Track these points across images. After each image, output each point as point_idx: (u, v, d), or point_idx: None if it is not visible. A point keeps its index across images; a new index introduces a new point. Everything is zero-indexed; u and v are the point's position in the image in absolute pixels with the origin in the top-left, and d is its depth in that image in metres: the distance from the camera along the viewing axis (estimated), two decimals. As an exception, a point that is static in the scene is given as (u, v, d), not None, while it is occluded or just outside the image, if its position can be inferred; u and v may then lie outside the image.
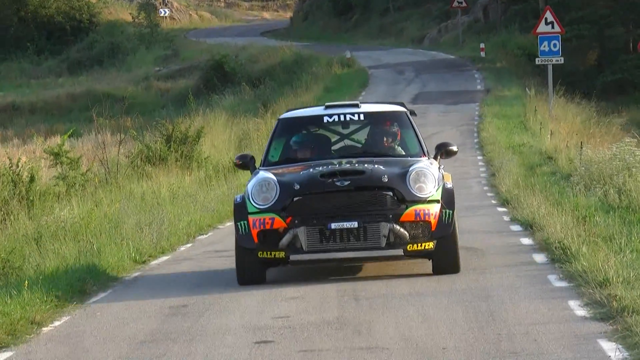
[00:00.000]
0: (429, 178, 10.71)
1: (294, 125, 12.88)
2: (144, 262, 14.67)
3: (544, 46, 36.26)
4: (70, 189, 21.15)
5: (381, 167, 10.86)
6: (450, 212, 10.63)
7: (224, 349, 8.58)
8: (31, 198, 19.16)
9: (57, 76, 65.74)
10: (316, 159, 11.64)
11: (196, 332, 9.42)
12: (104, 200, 19.90)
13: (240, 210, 10.86)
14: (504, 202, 20.12)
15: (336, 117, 12.26)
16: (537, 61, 38.39)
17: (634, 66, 44.46)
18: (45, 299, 11.77)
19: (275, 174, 11.03)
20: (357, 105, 12.75)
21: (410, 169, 10.73)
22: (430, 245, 10.44)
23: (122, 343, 9.84)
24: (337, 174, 10.65)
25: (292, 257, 10.48)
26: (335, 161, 11.30)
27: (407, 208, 10.40)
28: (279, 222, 10.41)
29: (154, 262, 14.98)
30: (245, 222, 10.65)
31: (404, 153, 12.10)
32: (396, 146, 12.26)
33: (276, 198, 10.53)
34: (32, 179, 19.78)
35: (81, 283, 12.88)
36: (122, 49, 72.10)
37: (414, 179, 10.57)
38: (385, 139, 12.45)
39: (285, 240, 10.38)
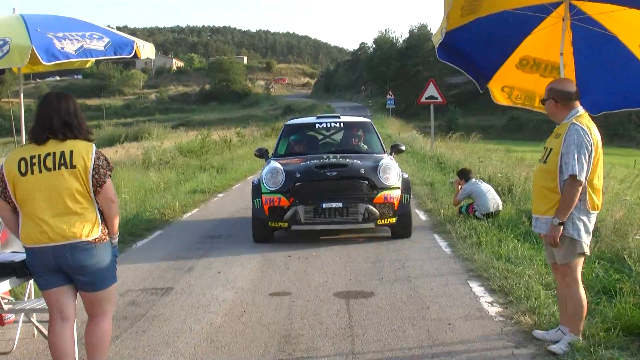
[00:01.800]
0: (393, 171, 5.77)
1: (295, 129, 7.22)
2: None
3: (389, 102, 35.31)
4: (242, 144, 20.54)
5: (358, 162, 5.88)
6: (408, 196, 5.78)
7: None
8: (230, 147, 18.59)
9: (238, 109, 64.61)
10: (308, 152, 6.53)
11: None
12: (251, 147, 19.55)
13: (256, 190, 5.80)
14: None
15: (325, 124, 6.95)
16: (386, 107, 37.32)
17: (418, 109, 43.01)
18: (232, 176, 11.46)
19: (282, 164, 5.96)
20: (338, 117, 7.25)
21: (380, 163, 5.82)
22: (393, 220, 5.66)
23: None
24: (327, 167, 5.76)
25: (293, 227, 5.65)
26: (325, 156, 6.13)
27: (378, 193, 5.59)
28: (284, 201, 5.58)
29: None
30: (259, 199, 5.70)
31: (368, 149, 6.68)
32: (361, 144, 6.84)
33: (282, 183, 5.66)
34: (230, 141, 19.28)
35: (238, 175, 12.43)
36: (259, 101, 71.04)
37: (383, 171, 5.71)
38: (353, 139, 6.93)
39: (288, 214, 5.58)
